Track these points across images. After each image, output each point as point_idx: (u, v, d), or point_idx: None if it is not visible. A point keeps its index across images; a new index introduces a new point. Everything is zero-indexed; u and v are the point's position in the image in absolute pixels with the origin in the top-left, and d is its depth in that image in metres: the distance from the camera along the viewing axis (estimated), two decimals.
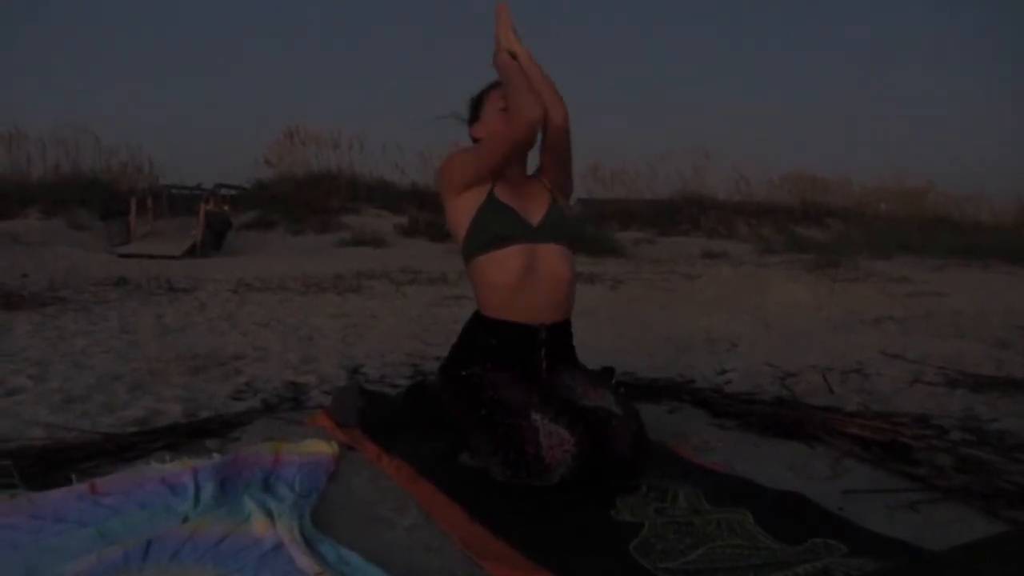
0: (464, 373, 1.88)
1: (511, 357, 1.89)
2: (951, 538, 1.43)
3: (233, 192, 13.41)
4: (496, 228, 1.89)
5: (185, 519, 1.50)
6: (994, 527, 1.53)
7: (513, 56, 1.97)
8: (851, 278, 7.60)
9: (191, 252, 9.95)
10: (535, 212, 1.95)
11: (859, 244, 12.12)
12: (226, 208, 11.69)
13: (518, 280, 1.87)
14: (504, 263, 1.88)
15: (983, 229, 14.82)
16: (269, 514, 1.49)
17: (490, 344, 1.90)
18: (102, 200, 11.75)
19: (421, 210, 13.70)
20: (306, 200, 13.75)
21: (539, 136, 1.98)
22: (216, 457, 1.83)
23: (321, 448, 1.93)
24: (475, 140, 2.02)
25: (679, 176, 16.50)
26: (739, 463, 1.93)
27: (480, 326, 1.93)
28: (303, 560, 1.30)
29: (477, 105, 2.04)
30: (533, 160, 2.05)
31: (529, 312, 1.90)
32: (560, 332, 1.97)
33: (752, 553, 1.36)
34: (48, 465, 1.81)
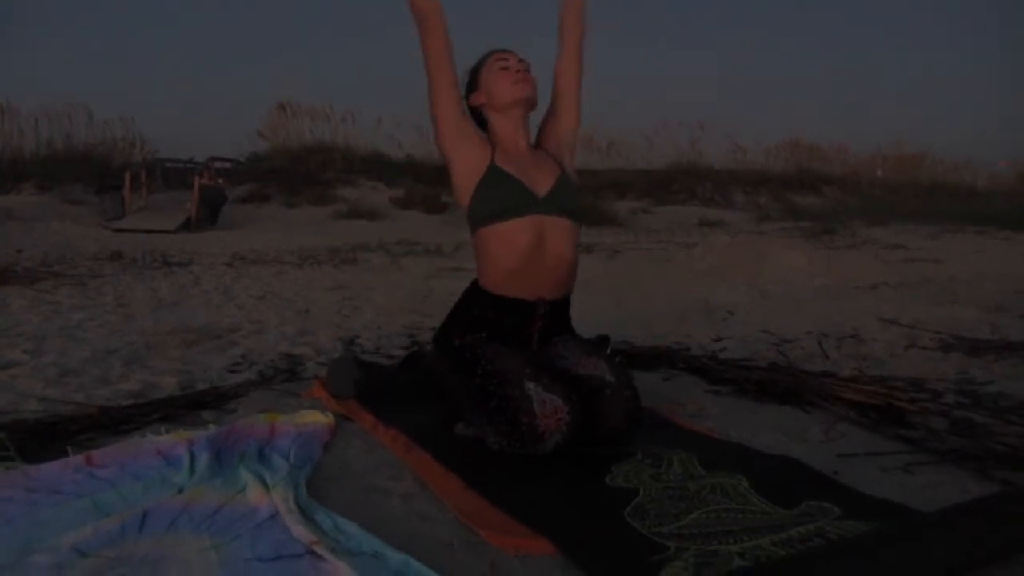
0: (458, 343, 1.87)
1: (506, 329, 1.88)
2: (945, 500, 1.43)
3: (228, 165, 13.34)
4: (501, 199, 1.86)
5: (180, 490, 1.50)
6: (987, 488, 1.53)
7: None
8: (847, 245, 7.59)
9: (186, 226, 9.91)
10: (542, 182, 1.90)
11: (855, 211, 12.12)
12: (221, 181, 11.63)
13: (523, 257, 1.85)
14: (511, 239, 1.85)
15: (979, 195, 14.81)
16: (264, 484, 1.49)
17: (487, 316, 1.89)
18: (96, 175, 11.69)
19: (417, 182, 13.65)
20: (301, 173, 13.69)
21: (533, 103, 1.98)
22: (212, 429, 1.83)
23: (317, 419, 1.93)
24: (473, 109, 1.98)
25: (675, 146, 16.44)
26: (734, 429, 1.93)
27: (478, 298, 1.91)
28: (299, 530, 1.30)
29: (475, 73, 1.99)
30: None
31: (530, 289, 1.88)
32: (559, 307, 1.96)
33: (746, 517, 1.36)
34: (44, 438, 1.81)
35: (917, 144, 17.79)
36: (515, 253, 1.85)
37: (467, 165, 1.90)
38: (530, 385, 1.66)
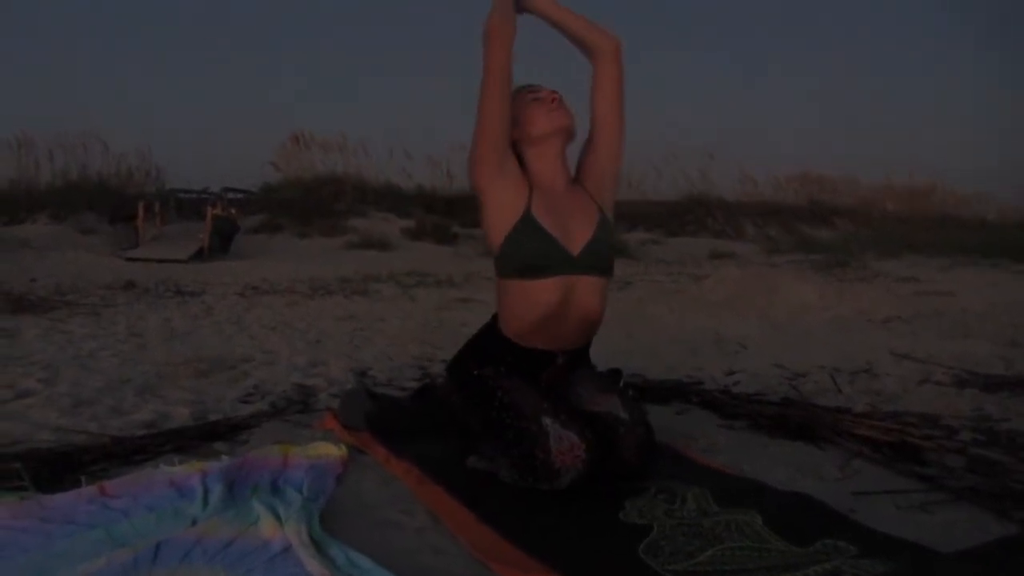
0: (476, 372, 1.85)
1: (523, 371, 1.85)
2: (961, 539, 1.42)
3: (240, 196, 13.44)
4: (531, 256, 1.76)
5: (193, 522, 1.50)
6: (1005, 528, 1.52)
7: None
8: (859, 278, 7.58)
9: (198, 256, 9.97)
10: (578, 234, 1.80)
11: (866, 243, 12.11)
12: (233, 212, 11.72)
13: (547, 316, 1.78)
14: (536, 297, 1.77)
15: (990, 227, 14.77)
16: (277, 517, 1.49)
17: (504, 360, 1.86)
18: (110, 205, 11.81)
19: (428, 213, 13.71)
20: (313, 204, 13.76)
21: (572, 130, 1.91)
22: (224, 460, 1.84)
23: (329, 451, 1.93)
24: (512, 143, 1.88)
25: (685, 177, 16.46)
26: (747, 464, 1.92)
27: (497, 340, 1.87)
28: (312, 564, 1.30)
29: None
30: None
31: (552, 342, 1.84)
32: (578, 354, 1.92)
33: (761, 555, 1.35)
34: (57, 468, 1.82)
35: (927, 175, 17.79)
36: (539, 311, 1.78)
37: (503, 201, 1.80)
38: (547, 420, 1.65)
